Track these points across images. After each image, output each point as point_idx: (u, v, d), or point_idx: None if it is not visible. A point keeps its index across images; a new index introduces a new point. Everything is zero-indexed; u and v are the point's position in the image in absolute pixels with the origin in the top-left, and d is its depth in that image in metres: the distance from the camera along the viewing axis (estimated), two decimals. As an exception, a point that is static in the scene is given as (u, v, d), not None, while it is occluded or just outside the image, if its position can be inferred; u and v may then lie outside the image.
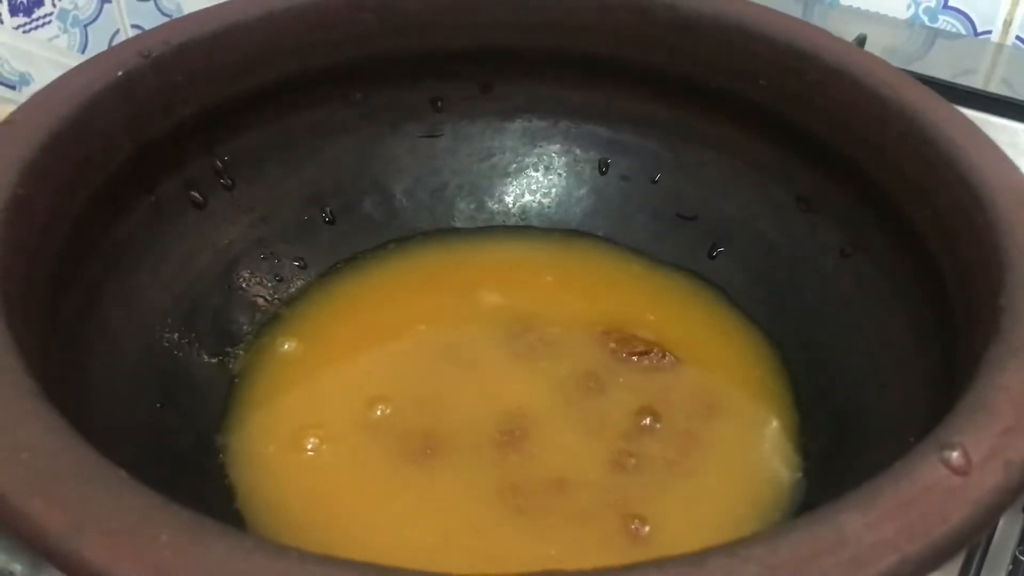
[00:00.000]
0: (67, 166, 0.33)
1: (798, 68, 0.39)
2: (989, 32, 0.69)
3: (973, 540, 0.24)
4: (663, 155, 0.45)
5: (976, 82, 0.64)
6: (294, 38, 0.41)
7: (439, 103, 0.46)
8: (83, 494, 0.22)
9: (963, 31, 0.70)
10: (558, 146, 0.47)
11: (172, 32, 0.38)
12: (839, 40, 0.40)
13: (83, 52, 0.74)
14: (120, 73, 0.36)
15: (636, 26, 0.43)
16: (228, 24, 0.39)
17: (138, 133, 0.37)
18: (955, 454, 0.24)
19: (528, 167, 0.47)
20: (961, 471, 0.24)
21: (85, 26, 0.75)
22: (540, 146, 0.47)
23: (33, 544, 0.22)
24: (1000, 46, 0.69)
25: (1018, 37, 0.68)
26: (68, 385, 0.30)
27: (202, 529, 0.22)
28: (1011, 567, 0.36)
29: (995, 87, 0.64)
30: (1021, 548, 0.37)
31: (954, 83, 0.62)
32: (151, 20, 0.79)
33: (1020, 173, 0.33)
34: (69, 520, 0.22)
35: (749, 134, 0.43)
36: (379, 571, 0.21)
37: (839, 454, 0.35)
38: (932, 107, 0.36)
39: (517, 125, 0.47)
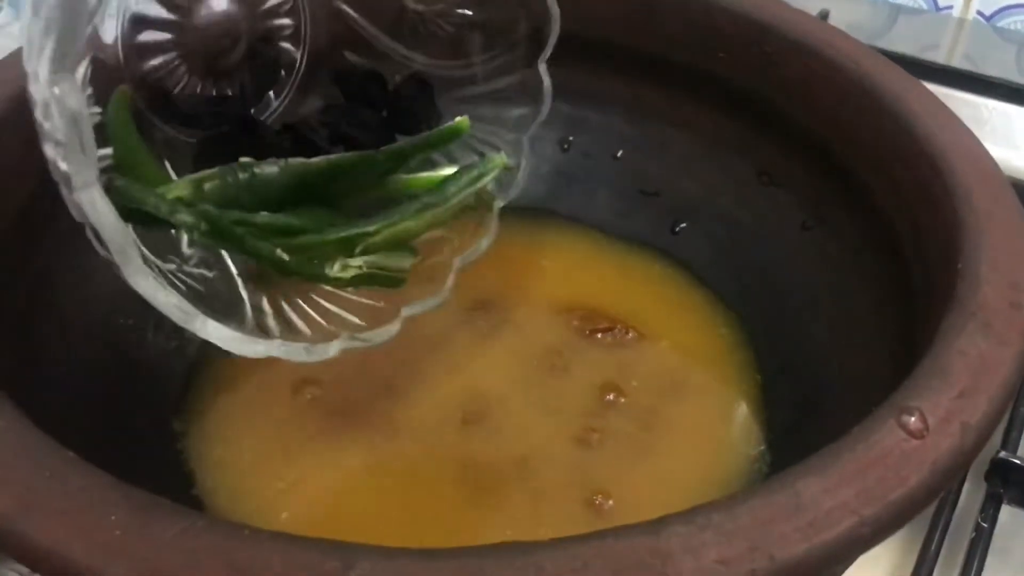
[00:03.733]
0: (13, 147, 0.33)
1: (758, 41, 0.39)
2: (950, 8, 0.70)
3: (930, 502, 0.24)
4: (624, 131, 0.45)
5: (938, 57, 0.64)
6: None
7: (398, 82, 0.45)
8: (30, 475, 0.22)
9: (925, 7, 0.70)
10: (519, 123, 0.47)
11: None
12: (799, 12, 0.40)
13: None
14: (69, 53, 0.35)
15: (596, 1, 0.42)
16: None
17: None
18: (912, 418, 0.24)
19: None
20: (918, 435, 0.24)
21: (41, 13, 0.74)
22: (501, 123, 0.47)
23: (-21, 528, 0.22)
24: (961, 21, 0.69)
25: (979, 12, 0.69)
26: (19, 370, 0.30)
27: (153, 508, 0.22)
28: (974, 534, 0.36)
29: (957, 62, 0.65)
30: (983, 515, 0.37)
31: (917, 58, 0.62)
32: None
33: (977, 141, 0.33)
34: (15, 501, 0.22)
35: (710, 109, 0.43)
36: (332, 547, 0.21)
37: (803, 426, 0.35)
38: (890, 78, 0.36)
39: (477, 103, 0.46)
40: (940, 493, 0.24)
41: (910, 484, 0.23)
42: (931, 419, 0.24)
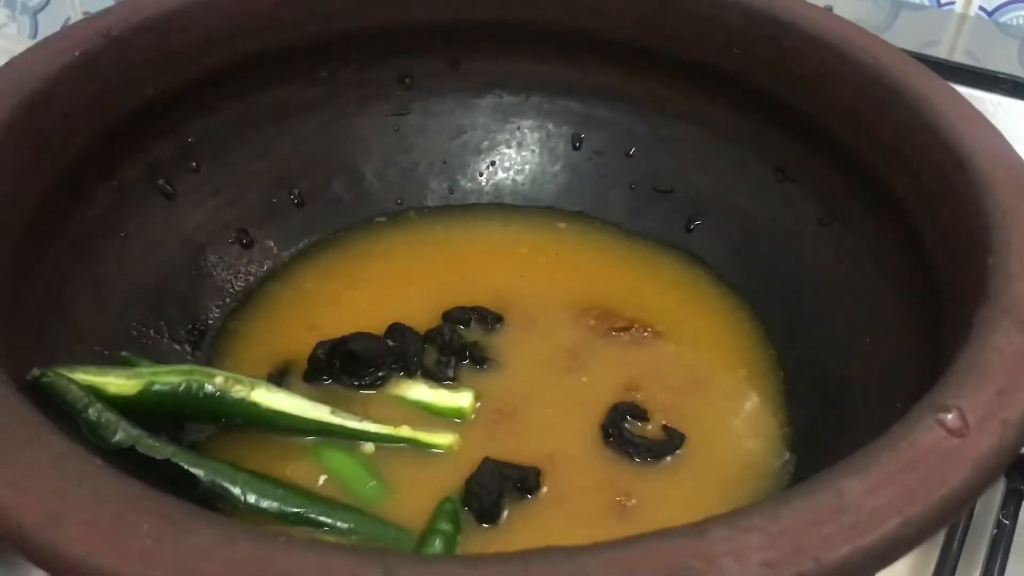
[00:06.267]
0: (24, 152, 0.32)
1: (773, 36, 0.39)
2: (952, 3, 0.69)
3: (972, 502, 0.23)
4: (637, 129, 0.45)
5: (940, 52, 0.64)
6: (257, 15, 0.40)
7: (407, 80, 0.45)
8: (58, 484, 0.21)
9: (927, 2, 0.70)
10: (530, 122, 0.46)
11: (131, 10, 0.37)
12: (813, 6, 0.40)
13: (34, 39, 0.72)
14: (78, 53, 0.34)
15: (608, -2, 0.42)
16: (189, 1, 0.38)
17: (99, 115, 0.35)
18: (951, 416, 0.24)
19: (500, 144, 0.46)
20: (958, 433, 0.23)
21: (35, 13, 0.74)
22: (512, 122, 0.46)
23: (7, 538, 0.21)
24: (963, 17, 0.69)
25: (981, 7, 0.68)
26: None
27: (185, 517, 0.21)
28: (995, 531, 0.36)
29: (959, 57, 0.64)
30: (1004, 512, 0.37)
31: (919, 54, 0.61)
32: (102, 6, 0.77)
33: (999, 135, 0.33)
34: (45, 511, 0.21)
35: (724, 105, 0.42)
36: (371, 554, 0.21)
37: (825, 423, 0.35)
38: (910, 73, 0.36)
39: (488, 101, 0.46)
40: (981, 493, 0.23)
41: (952, 483, 0.22)
42: (971, 417, 0.24)
